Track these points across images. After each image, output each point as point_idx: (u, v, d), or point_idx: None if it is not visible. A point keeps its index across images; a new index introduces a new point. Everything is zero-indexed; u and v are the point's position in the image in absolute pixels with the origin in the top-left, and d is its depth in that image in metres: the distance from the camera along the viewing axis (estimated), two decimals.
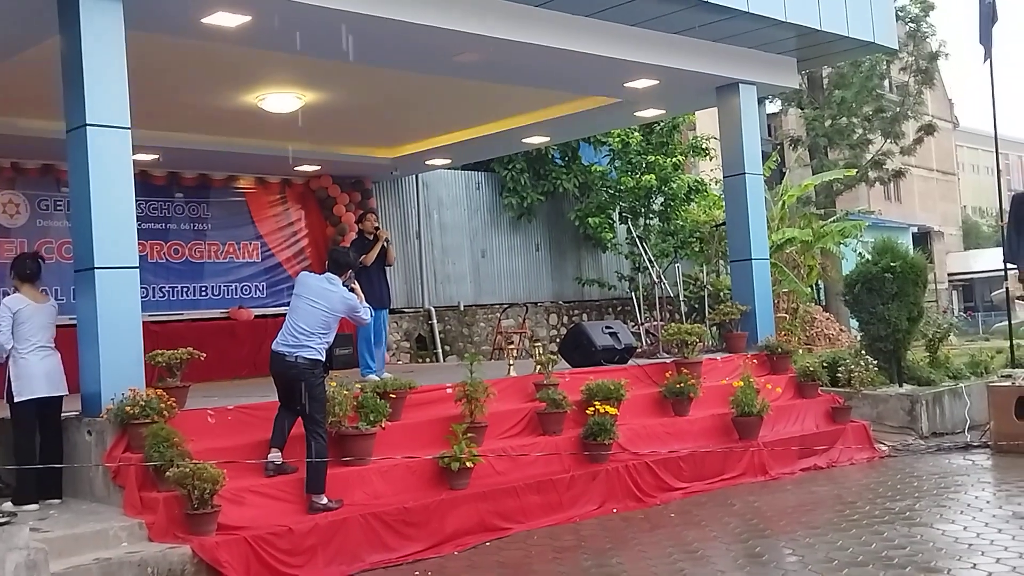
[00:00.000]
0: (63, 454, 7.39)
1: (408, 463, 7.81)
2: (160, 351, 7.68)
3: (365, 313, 7.84)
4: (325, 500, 7.12)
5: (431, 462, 7.83)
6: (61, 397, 7.53)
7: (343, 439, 7.63)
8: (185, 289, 14.44)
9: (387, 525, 7.14)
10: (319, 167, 15.12)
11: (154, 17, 7.97)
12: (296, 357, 7.30)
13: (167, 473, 6.55)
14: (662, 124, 17.66)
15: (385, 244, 10.59)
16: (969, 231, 52.58)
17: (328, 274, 7.70)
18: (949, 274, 42.82)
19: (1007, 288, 13.26)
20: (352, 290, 7.85)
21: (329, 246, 14.83)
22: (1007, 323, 13.96)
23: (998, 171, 14.39)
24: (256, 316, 14.62)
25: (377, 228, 10.72)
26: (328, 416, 7.45)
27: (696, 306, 15.79)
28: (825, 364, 11.57)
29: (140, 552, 6.26)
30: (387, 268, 10.86)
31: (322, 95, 11.44)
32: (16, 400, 7.27)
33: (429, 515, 7.36)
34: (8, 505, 6.98)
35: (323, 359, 7.48)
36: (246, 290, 15.07)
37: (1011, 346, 13.57)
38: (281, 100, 11.39)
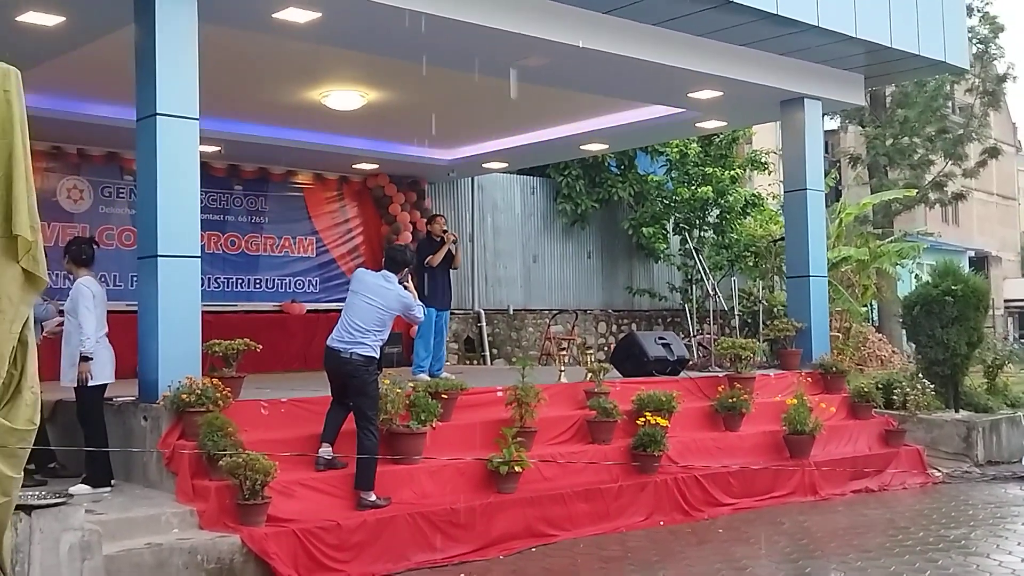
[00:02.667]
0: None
1: (457, 464, 7.80)
2: (217, 341, 7.75)
3: (419, 312, 7.84)
4: (374, 497, 7.13)
5: (480, 464, 7.81)
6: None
7: (394, 437, 7.63)
8: (240, 281, 14.58)
9: (434, 525, 7.14)
10: (377, 165, 15.20)
11: (227, 10, 8.06)
12: (351, 354, 7.32)
13: (220, 462, 6.60)
14: (721, 136, 17.53)
15: (452, 247, 10.69)
16: None
17: (384, 271, 7.71)
18: (1005, 300, 42.02)
19: None
20: (407, 288, 7.85)
21: (384, 244, 14.91)
22: None
23: None
24: (308, 311, 14.72)
25: (446, 231, 10.82)
26: (380, 413, 7.46)
27: (749, 321, 15.63)
28: (880, 386, 11.37)
29: (191, 539, 6.31)
30: (451, 271, 10.97)
31: (385, 94, 11.51)
32: (91, 384, 7.28)
33: (476, 517, 7.35)
34: (84, 487, 7.01)
35: (377, 356, 7.49)
36: (299, 284, 15.17)
37: None
38: (345, 97, 11.47)
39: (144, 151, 7.57)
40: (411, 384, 8.15)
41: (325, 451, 7.32)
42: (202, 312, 7.78)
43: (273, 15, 8.26)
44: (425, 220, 11.49)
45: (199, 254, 7.68)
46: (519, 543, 7.45)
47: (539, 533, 7.62)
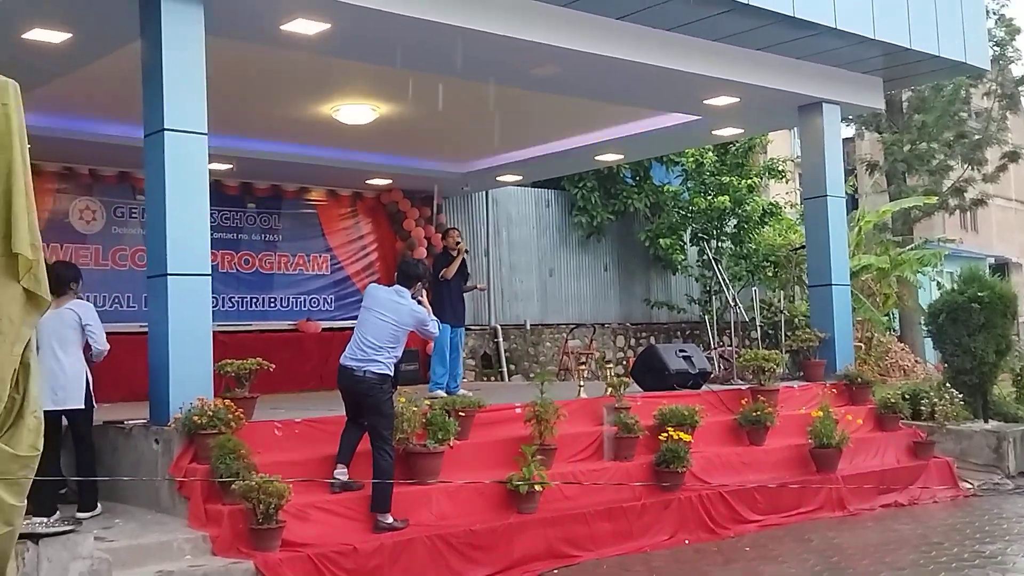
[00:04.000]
0: (94, 468, 7.21)
1: (476, 484, 7.59)
2: (229, 361, 7.59)
3: (434, 327, 7.66)
4: (391, 519, 6.94)
5: (499, 484, 7.60)
6: (81, 409, 7.15)
7: (410, 457, 7.45)
8: (254, 300, 14.44)
9: (453, 548, 6.95)
10: (390, 180, 15.07)
11: (234, 23, 7.94)
12: (364, 371, 7.14)
13: (233, 486, 6.43)
14: (737, 144, 17.34)
15: (464, 257, 10.60)
16: None
17: (397, 286, 7.54)
18: None
19: None
20: (420, 303, 7.68)
21: (399, 260, 14.75)
22: None
23: None
24: (324, 329, 14.57)
25: (459, 243, 10.68)
26: (396, 433, 7.28)
27: (770, 332, 15.40)
28: (906, 396, 11.11)
29: (203, 566, 6.14)
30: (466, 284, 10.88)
31: (397, 107, 11.37)
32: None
33: (496, 539, 7.16)
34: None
35: (392, 374, 7.32)
36: (314, 303, 15.02)
37: None
38: (356, 111, 11.34)
39: (152, 167, 7.44)
40: (427, 402, 7.97)
41: (340, 472, 7.13)
42: (216, 332, 7.64)
43: (281, 27, 8.13)
44: (440, 234, 11.39)
45: (209, 272, 7.52)
46: (541, 564, 7.25)
47: (561, 554, 7.41)
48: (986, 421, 11.34)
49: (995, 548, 7.65)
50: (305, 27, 8.18)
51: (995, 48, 23.41)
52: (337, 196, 15.39)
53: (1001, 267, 37.93)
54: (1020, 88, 24.04)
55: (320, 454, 7.30)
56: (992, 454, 10.80)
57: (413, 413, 7.48)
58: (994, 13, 23.43)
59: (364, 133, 12.26)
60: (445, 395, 9.31)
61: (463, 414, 8.00)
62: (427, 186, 15.48)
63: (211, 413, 6.88)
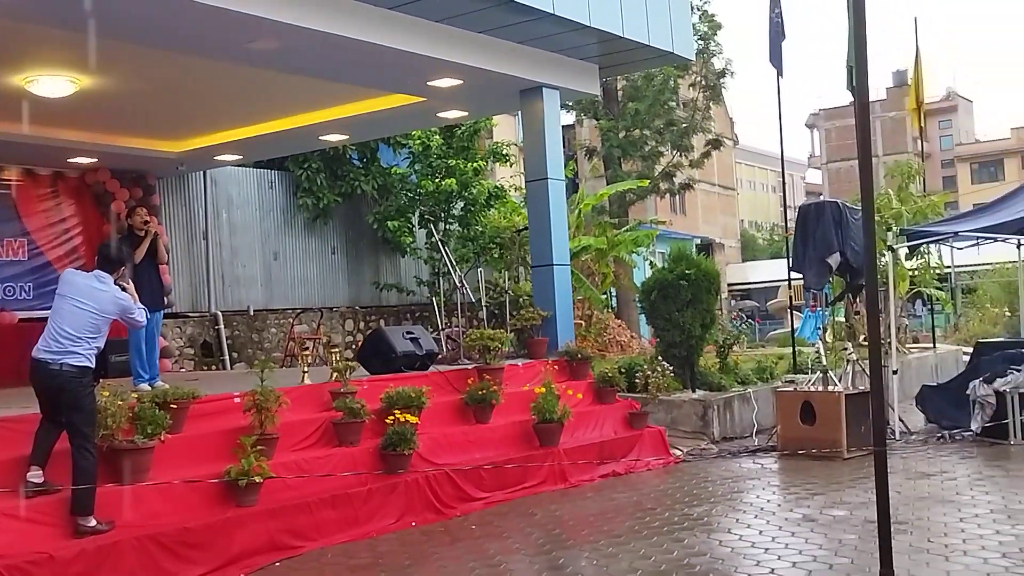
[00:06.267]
0: None
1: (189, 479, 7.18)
2: None
3: (140, 315, 7.17)
4: (93, 522, 6.41)
5: (216, 477, 7.22)
6: None
7: (116, 454, 6.92)
8: None
9: (165, 548, 6.52)
10: (96, 159, 14.01)
11: None
12: (61, 364, 6.54)
13: None
14: (463, 128, 17.51)
15: (155, 239, 9.76)
16: (746, 244, 55.80)
17: (97, 271, 6.96)
18: (728, 284, 45.08)
19: (790, 297, 13.86)
20: (125, 289, 7.12)
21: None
22: (785, 331, 14.58)
23: (784, 185, 15.04)
24: (21, 320, 13.36)
25: (147, 222, 9.84)
26: (98, 429, 6.72)
27: (496, 312, 15.68)
28: (622, 370, 11.64)
29: None
30: (160, 266, 10.07)
31: (100, 80, 10.53)
32: None
33: (213, 535, 6.79)
34: None
35: (92, 366, 6.74)
36: (10, 291, 13.76)
37: (793, 352, 14.21)
38: (53, 84, 10.40)
39: None
40: (134, 395, 7.42)
41: (34, 475, 6.48)
42: None
43: None
44: (124, 214, 10.57)
45: None
46: (262, 558, 6.95)
47: (284, 546, 7.13)
48: (693, 391, 12.06)
49: (702, 510, 8.13)
50: None
51: (700, 42, 24.96)
52: (35, 176, 14.16)
53: (706, 247, 40.90)
54: (722, 80, 25.76)
55: (11, 456, 6.62)
56: (699, 421, 11.53)
57: (118, 407, 6.94)
58: (698, 9, 24.97)
59: (64, 108, 11.29)
60: (149, 388, 8.72)
61: (175, 406, 7.52)
62: (137, 166, 14.55)
63: None
